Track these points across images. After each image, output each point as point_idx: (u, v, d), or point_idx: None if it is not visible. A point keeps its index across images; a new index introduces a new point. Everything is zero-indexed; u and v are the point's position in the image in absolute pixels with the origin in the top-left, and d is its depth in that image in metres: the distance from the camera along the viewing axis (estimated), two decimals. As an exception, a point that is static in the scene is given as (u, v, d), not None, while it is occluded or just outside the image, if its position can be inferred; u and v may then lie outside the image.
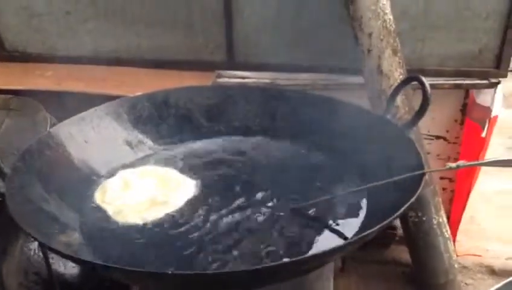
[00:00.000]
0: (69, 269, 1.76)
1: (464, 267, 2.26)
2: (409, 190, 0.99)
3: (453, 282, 2.07)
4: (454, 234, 2.20)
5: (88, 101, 1.48)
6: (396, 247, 2.31)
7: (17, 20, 2.14)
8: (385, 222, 0.88)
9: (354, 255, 2.12)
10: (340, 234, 1.04)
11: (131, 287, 1.83)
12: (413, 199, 0.93)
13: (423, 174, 1.03)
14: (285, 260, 0.83)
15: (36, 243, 1.70)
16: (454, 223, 2.23)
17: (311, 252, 0.82)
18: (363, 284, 2.15)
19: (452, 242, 2.07)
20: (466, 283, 2.19)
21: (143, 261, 1.01)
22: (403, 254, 2.26)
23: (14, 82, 1.98)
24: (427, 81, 1.20)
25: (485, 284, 2.19)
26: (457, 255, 2.13)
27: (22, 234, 1.69)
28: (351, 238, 0.85)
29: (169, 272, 0.81)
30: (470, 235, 2.48)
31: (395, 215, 0.90)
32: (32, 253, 1.69)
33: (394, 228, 2.22)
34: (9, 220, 1.65)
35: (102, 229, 1.12)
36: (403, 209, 0.90)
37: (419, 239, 2.00)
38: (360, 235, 0.86)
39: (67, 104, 1.81)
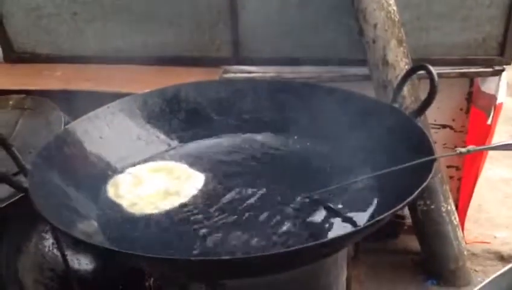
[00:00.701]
0: (83, 265, 1.78)
1: (473, 254, 2.28)
2: (420, 176, 1.01)
3: (462, 269, 2.10)
4: (462, 221, 2.22)
5: (98, 99, 1.50)
6: (405, 236, 2.33)
7: (26, 22, 2.16)
8: (399, 206, 0.91)
9: (363, 246, 2.13)
10: (354, 221, 1.07)
11: (144, 281, 1.87)
12: (425, 183, 0.95)
13: (434, 159, 1.05)
14: (306, 244, 0.85)
15: (51, 240, 1.73)
16: (462, 211, 2.25)
17: (329, 236, 0.84)
18: (373, 273, 2.17)
19: (461, 229, 2.10)
20: (475, 270, 2.21)
21: (161, 249, 1.04)
22: (411, 242, 2.28)
23: (24, 83, 2.01)
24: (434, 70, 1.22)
25: (494, 271, 2.17)
26: (466, 243, 2.15)
27: (36, 231, 1.72)
28: (367, 222, 0.87)
29: (193, 259, 0.83)
30: (478, 223, 2.50)
31: (409, 199, 0.92)
32: (47, 250, 1.71)
33: (403, 217, 2.24)
34: (23, 218, 1.69)
35: (119, 220, 1.16)
36: (416, 192, 0.92)
37: (428, 227, 2.02)
38: (375, 219, 0.88)
39: (77, 103, 1.83)
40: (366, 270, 2.17)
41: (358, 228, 0.89)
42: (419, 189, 0.93)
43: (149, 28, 2.10)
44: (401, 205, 0.90)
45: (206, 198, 1.21)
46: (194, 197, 1.22)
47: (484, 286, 1.14)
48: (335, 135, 1.36)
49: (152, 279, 1.87)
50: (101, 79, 1.99)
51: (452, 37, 1.94)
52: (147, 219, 1.16)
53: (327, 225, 1.08)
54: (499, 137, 2.33)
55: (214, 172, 1.32)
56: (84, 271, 1.76)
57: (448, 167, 2.20)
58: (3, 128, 1.18)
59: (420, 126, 1.22)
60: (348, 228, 1.07)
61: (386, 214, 0.87)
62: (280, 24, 2.03)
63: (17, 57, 2.23)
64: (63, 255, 1.61)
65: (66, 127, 1.32)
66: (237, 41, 2.08)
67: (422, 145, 1.13)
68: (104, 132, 1.37)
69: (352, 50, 1.94)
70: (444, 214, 1.99)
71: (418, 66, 1.28)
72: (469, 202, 2.27)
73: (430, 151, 1.10)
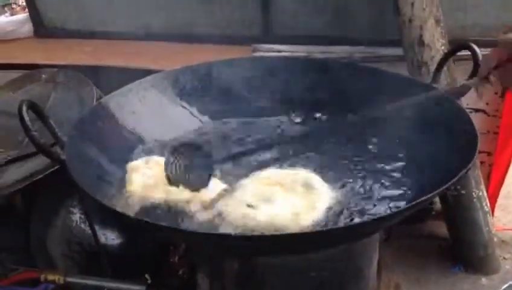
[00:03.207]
0: (109, 240, 1.79)
1: (502, 241, 2.24)
2: (464, 156, 0.98)
3: (491, 256, 2.06)
4: (492, 208, 2.18)
5: (128, 75, 1.50)
6: (433, 222, 2.30)
7: (57, -3, 2.17)
8: (448, 184, 0.88)
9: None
10: (395, 200, 1.05)
11: (170, 257, 1.87)
12: (472, 163, 0.93)
13: (476, 137, 1.02)
14: (354, 221, 0.83)
15: (78, 215, 1.75)
16: (492, 197, 2.21)
17: (373, 216, 0.82)
18: (399, 257, 2.14)
19: (491, 216, 2.06)
20: (504, 257, 2.17)
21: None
22: (439, 228, 2.25)
23: (55, 57, 2.02)
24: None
25: (523, 258, 2.18)
26: (495, 230, 2.11)
27: (64, 206, 1.74)
28: (413, 201, 0.85)
29: (232, 234, 0.82)
30: (507, 210, 2.45)
31: (458, 176, 0.89)
32: (74, 224, 1.72)
33: (431, 202, 2.21)
34: (52, 193, 1.70)
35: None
36: (465, 170, 0.89)
37: (458, 213, 1.99)
38: (419, 200, 0.85)
39: (107, 79, 1.83)
40: (393, 254, 2.15)
41: (404, 207, 0.86)
42: (467, 168, 0.90)
43: (179, 5, 2.08)
44: (449, 183, 0.87)
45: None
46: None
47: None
48: (372, 113, 1.33)
49: (177, 256, 1.89)
50: (131, 55, 1.99)
51: (490, 17, 1.88)
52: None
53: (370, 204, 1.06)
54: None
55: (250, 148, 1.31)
56: (111, 246, 1.77)
57: (480, 152, 2.14)
58: (37, 101, 1.18)
59: (462, 106, 1.19)
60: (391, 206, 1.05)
61: (433, 194, 0.85)
62: (312, 2, 1.99)
63: (47, 32, 2.24)
64: (93, 229, 1.62)
65: (100, 101, 1.32)
66: (268, 19, 2.05)
67: (464, 125, 1.10)
68: (137, 107, 1.37)
69: (385, 30, 1.90)
70: (475, 200, 1.95)
71: (460, 44, 1.25)
72: (500, 188, 2.22)
73: (472, 131, 1.07)
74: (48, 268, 1.59)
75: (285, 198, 1.06)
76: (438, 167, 1.08)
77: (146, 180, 1.13)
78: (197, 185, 1.10)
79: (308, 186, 1.11)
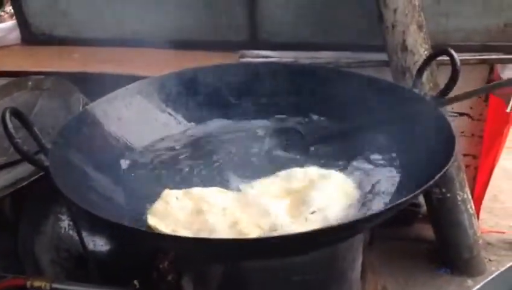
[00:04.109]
0: (98, 247, 1.80)
1: (488, 243, 2.27)
2: (443, 156, 1.00)
3: (477, 258, 2.09)
4: (477, 211, 2.21)
5: (115, 82, 1.50)
6: (419, 225, 2.32)
7: (43, 3, 2.17)
8: (426, 186, 0.89)
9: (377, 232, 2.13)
10: (375, 202, 1.06)
11: (159, 263, 1.88)
12: (451, 162, 0.94)
13: (454, 139, 1.04)
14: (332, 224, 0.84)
15: (66, 221, 1.75)
16: (477, 200, 2.23)
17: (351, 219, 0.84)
18: (386, 260, 2.16)
19: (476, 219, 2.08)
20: (490, 259, 2.20)
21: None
22: (426, 231, 2.27)
23: (42, 64, 2.02)
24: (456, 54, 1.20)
25: (508, 260, 2.18)
26: (481, 232, 2.14)
27: (52, 212, 1.74)
28: (390, 203, 0.86)
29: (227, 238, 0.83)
30: (493, 213, 2.48)
31: (434, 179, 0.90)
32: (63, 231, 1.73)
33: (417, 205, 2.23)
34: (40, 199, 1.70)
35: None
36: (444, 170, 0.91)
37: (443, 216, 2.01)
38: (398, 201, 0.87)
39: (95, 86, 1.84)
40: (380, 257, 2.16)
41: (381, 209, 0.88)
42: (447, 166, 0.92)
43: (166, 11, 2.09)
44: (427, 185, 0.89)
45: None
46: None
47: (496, 276, 1.14)
48: (355, 119, 1.35)
49: (166, 262, 1.89)
50: (119, 62, 2.00)
51: (472, 22, 1.91)
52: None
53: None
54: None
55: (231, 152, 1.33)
56: (100, 253, 1.78)
57: (465, 155, 2.18)
58: (23, 108, 1.19)
59: (440, 111, 1.21)
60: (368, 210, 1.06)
61: (410, 196, 0.86)
62: (298, 8, 2.01)
63: (34, 39, 2.24)
64: (80, 236, 1.63)
65: (86, 107, 1.33)
66: (254, 25, 2.07)
67: (443, 129, 1.12)
68: (123, 114, 1.37)
69: (370, 36, 1.92)
70: (460, 203, 1.97)
71: (440, 50, 1.26)
72: (485, 191, 2.25)
73: (450, 136, 1.09)
74: (35, 275, 1.59)
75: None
76: (418, 170, 1.09)
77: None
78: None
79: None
